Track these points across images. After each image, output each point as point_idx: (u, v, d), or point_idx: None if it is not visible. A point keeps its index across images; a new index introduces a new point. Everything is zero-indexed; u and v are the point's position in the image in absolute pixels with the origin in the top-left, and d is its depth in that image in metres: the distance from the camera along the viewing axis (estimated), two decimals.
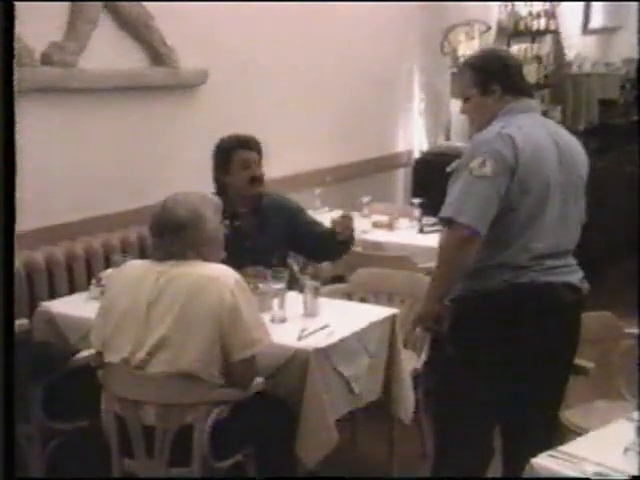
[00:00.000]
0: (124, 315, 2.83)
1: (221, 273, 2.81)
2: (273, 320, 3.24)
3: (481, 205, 2.64)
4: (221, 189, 3.81)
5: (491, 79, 2.88)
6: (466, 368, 2.81)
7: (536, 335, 2.75)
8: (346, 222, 3.75)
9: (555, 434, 2.87)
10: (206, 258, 2.88)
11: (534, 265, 2.73)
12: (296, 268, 4.00)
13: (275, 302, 3.29)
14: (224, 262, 2.94)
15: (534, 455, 2.16)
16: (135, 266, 2.98)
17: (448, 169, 2.86)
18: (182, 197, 2.93)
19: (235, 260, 3.17)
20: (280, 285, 3.28)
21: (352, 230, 3.79)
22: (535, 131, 2.78)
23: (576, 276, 2.84)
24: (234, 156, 3.80)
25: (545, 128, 2.84)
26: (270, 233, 3.80)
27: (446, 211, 2.70)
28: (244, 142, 3.83)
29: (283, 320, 3.26)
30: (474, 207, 2.64)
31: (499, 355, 2.76)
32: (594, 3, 8.29)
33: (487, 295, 2.75)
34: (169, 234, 2.85)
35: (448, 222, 2.70)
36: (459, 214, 2.64)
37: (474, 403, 2.81)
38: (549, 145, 2.78)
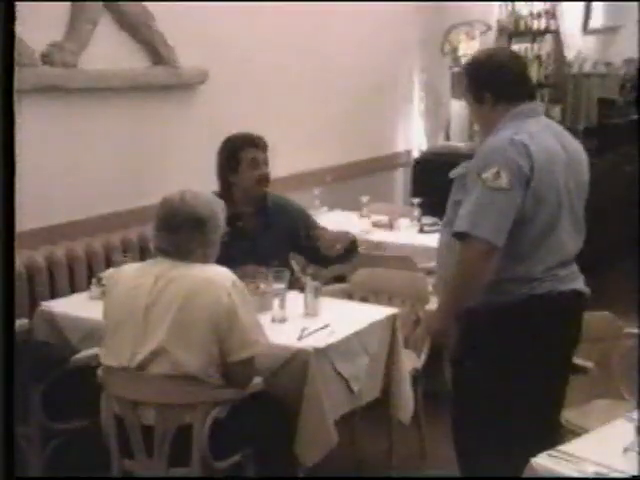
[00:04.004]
0: (122, 318, 2.82)
1: (218, 275, 2.81)
2: (274, 320, 3.24)
3: (498, 218, 2.56)
4: (226, 188, 3.80)
5: (482, 87, 2.80)
6: (489, 384, 2.73)
7: (550, 343, 2.71)
8: (331, 241, 3.68)
9: (557, 434, 2.86)
10: (207, 260, 2.88)
11: (547, 276, 2.68)
12: (297, 268, 4.00)
13: (276, 302, 3.29)
14: (225, 262, 2.93)
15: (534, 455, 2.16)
16: (133, 269, 2.97)
17: (452, 175, 2.79)
18: (201, 195, 2.90)
19: (237, 261, 3.17)
20: (281, 285, 3.28)
21: (338, 248, 3.68)
22: (545, 137, 2.70)
23: (580, 282, 2.81)
24: (243, 155, 3.77)
25: (553, 133, 2.76)
26: (272, 234, 3.78)
27: (461, 225, 2.60)
28: (253, 141, 3.81)
29: (283, 320, 3.26)
30: (491, 220, 2.55)
31: (521, 367, 2.70)
32: (594, 3, 8.29)
33: (504, 309, 2.67)
34: (186, 230, 2.82)
35: (463, 236, 2.60)
36: (475, 228, 2.56)
37: (503, 419, 2.72)
38: (559, 151, 2.71)
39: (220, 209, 2.94)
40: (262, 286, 3.35)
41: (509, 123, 2.73)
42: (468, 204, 2.61)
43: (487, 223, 2.55)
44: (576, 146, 2.84)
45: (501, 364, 2.72)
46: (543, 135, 2.70)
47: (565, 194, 2.69)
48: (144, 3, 4.34)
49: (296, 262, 4.16)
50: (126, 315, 2.81)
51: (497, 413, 2.74)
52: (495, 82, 2.79)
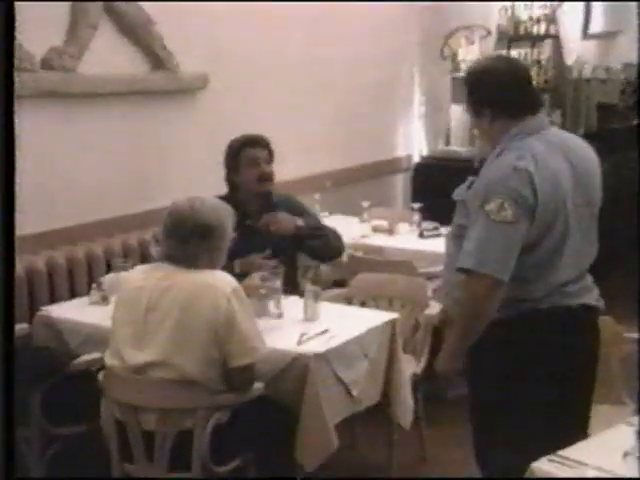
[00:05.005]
0: (125, 316, 2.84)
1: (218, 281, 2.81)
2: (270, 316, 3.30)
3: (503, 252, 2.48)
4: (233, 190, 3.82)
5: (480, 102, 2.69)
6: (497, 400, 2.66)
7: (558, 358, 2.62)
8: (269, 224, 3.72)
9: None
10: (213, 266, 2.88)
11: (554, 293, 2.60)
12: (298, 272, 4.02)
13: (271, 303, 3.33)
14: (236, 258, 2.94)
15: None
16: (141, 269, 3.00)
17: (455, 197, 2.70)
18: (209, 202, 2.91)
19: (245, 258, 3.18)
20: (276, 282, 3.32)
21: (282, 226, 3.72)
22: (551, 158, 2.57)
23: (591, 295, 2.71)
24: (242, 154, 3.80)
25: (559, 149, 2.62)
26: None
27: (466, 261, 2.52)
28: (252, 140, 3.84)
29: (280, 316, 3.31)
30: (496, 255, 2.47)
31: (525, 382, 2.62)
32: (594, 7, 8.30)
33: (506, 325, 2.59)
34: (195, 239, 2.83)
35: (468, 272, 2.52)
36: (481, 265, 2.48)
37: (519, 435, 2.61)
38: (565, 171, 2.59)
39: (228, 215, 2.95)
40: (263, 292, 3.36)
41: (511, 143, 2.61)
42: (472, 238, 2.53)
43: (492, 258, 2.48)
44: (585, 154, 2.71)
45: (503, 380, 2.66)
46: (548, 155, 2.57)
47: (573, 214, 2.59)
48: (144, 7, 4.35)
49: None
50: (129, 314, 2.83)
51: (512, 429, 2.64)
52: (493, 98, 2.67)
